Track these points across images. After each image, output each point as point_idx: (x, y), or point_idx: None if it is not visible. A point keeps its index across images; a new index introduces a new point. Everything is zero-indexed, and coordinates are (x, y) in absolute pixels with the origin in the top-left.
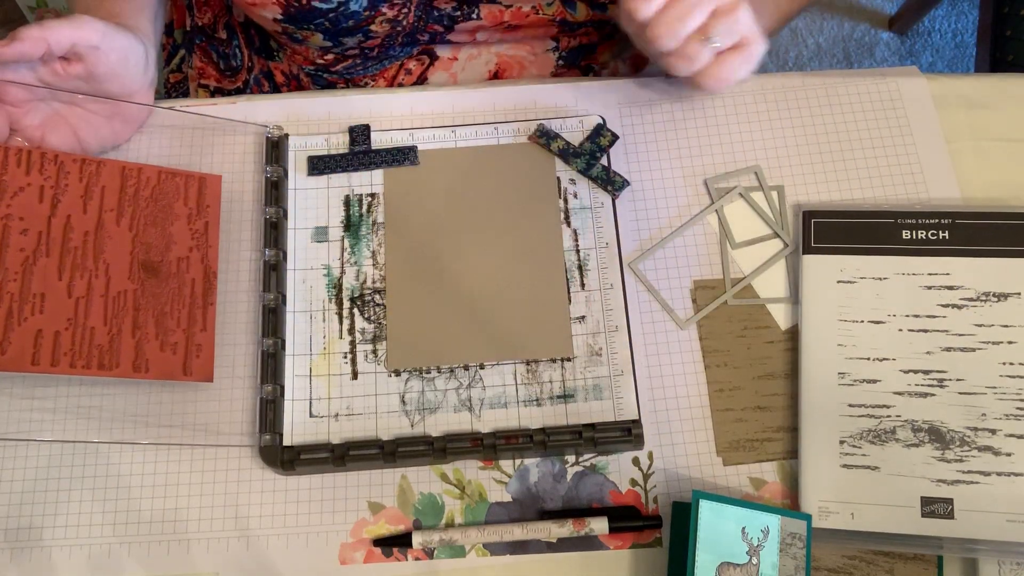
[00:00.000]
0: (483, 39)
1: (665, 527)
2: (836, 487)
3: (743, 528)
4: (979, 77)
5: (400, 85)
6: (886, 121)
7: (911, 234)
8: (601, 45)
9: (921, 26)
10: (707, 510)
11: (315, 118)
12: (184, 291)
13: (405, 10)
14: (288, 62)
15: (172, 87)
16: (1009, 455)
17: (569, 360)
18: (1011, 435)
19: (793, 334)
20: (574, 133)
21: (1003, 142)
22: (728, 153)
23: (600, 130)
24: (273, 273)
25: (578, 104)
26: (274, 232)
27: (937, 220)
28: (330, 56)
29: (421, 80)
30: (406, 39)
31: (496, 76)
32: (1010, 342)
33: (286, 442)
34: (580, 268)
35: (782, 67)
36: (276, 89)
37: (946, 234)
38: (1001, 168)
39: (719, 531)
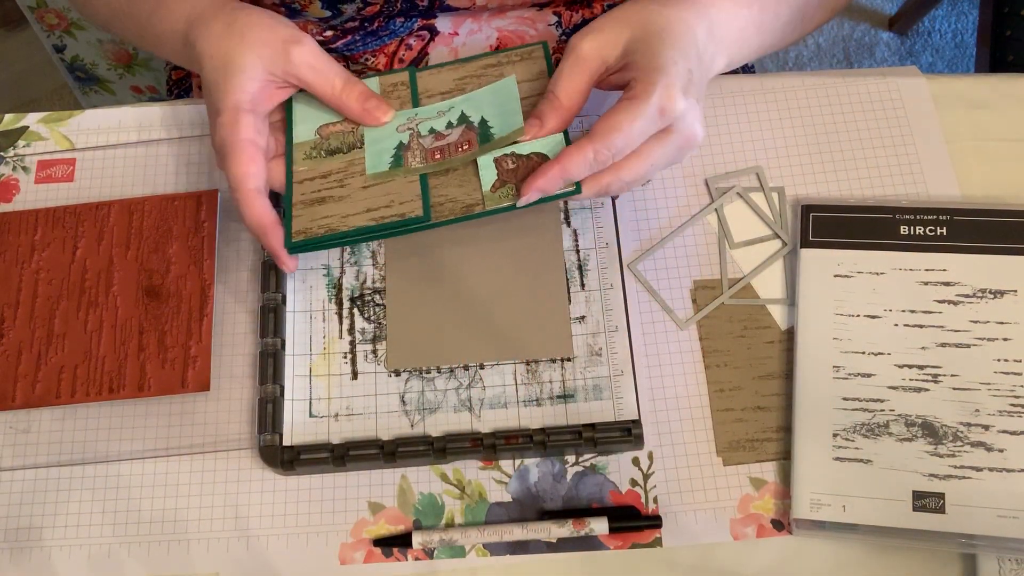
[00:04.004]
0: (483, 3)
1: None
2: (828, 479)
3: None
4: (979, 77)
5: (401, 60)
6: (886, 121)
7: (909, 230)
8: None
9: (921, 26)
10: (302, 96)
11: None
12: (182, 307)
13: None
14: None
15: (174, 84)
16: (1002, 451)
17: (569, 360)
18: (1004, 431)
19: (793, 334)
20: (575, 134)
21: (1003, 142)
22: (728, 153)
23: None
24: (273, 273)
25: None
26: None
27: (935, 216)
28: (329, 32)
29: (422, 55)
30: (405, 4)
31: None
32: (1005, 339)
33: (286, 442)
34: (580, 268)
35: (782, 67)
36: None
37: (944, 230)
38: (1001, 168)
39: (315, 105)
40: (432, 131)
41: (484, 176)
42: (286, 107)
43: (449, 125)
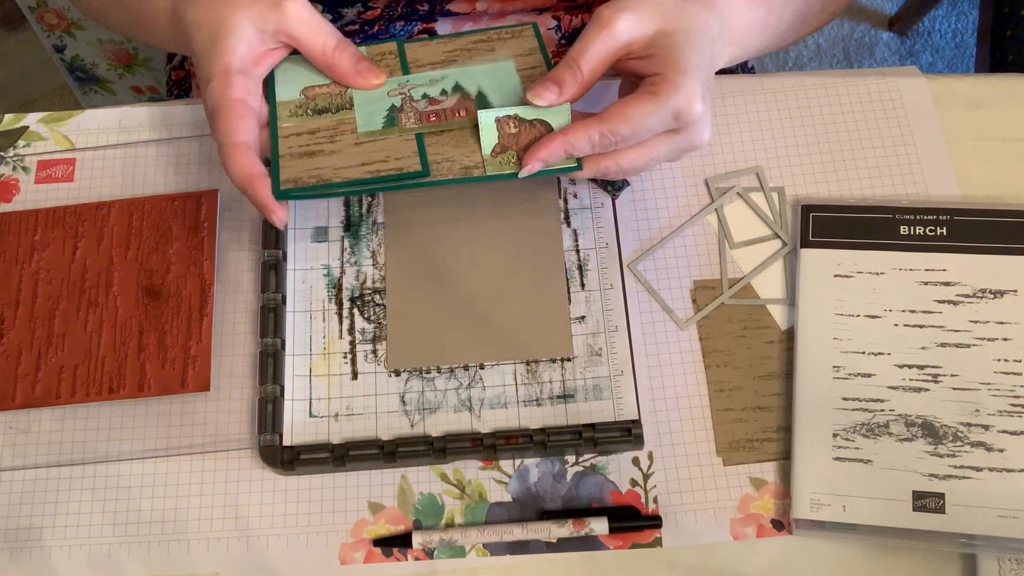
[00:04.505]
0: (483, 8)
1: (663, 530)
2: (828, 479)
3: None
4: (979, 77)
5: None
6: (886, 121)
7: (909, 230)
8: None
9: (921, 26)
10: (286, 60)
11: None
12: (182, 307)
13: None
14: None
15: (174, 84)
16: (1002, 451)
17: (569, 360)
18: (1004, 431)
19: (793, 334)
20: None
21: (1003, 142)
22: (728, 153)
23: None
24: (273, 273)
25: (578, 104)
26: (274, 232)
27: (935, 216)
28: None
29: None
30: (406, 9)
31: None
32: (1005, 339)
33: (286, 442)
34: (580, 268)
35: (782, 67)
36: None
37: (944, 230)
38: (1001, 168)
39: (301, 67)
40: (426, 96)
41: (485, 137)
42: (268, 75)
43: (443, 92)
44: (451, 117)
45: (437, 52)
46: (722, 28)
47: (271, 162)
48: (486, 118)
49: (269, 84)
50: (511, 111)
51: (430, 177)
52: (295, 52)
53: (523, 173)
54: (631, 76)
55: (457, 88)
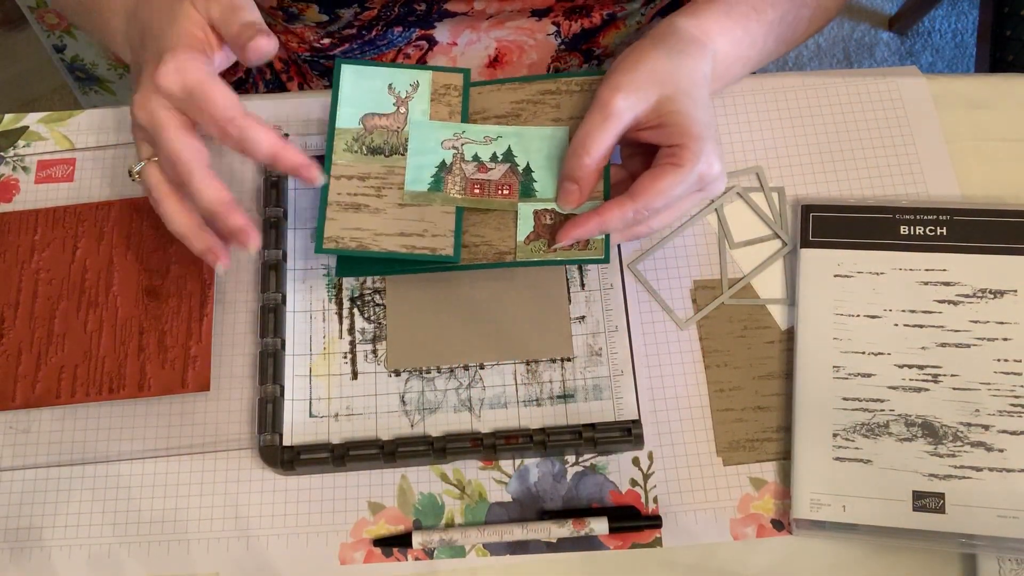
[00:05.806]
0: (481, 8)
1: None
2: (828, 479)
3: (390, 84)
4: (979, 77)
5: None
6: (886, 121)
7: (909, 230)
8: (604, 29)
9: (921, 26)
10: (350, 73)
11: (315, 118)
12: (182, 307)
13: None
14: (285, 49)
15: None
16: (1002, 451)
17: (569, 360)
18: (1004, 431)
19: (793, 334)
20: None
21: (1003, 142)
22: (728, 153)
23: None
24: (273, 273)
25: None
26: (274, 232)
27: (935, 216)
28: (327, 40)
29: (420, 64)
30: (403, 9)
31: (496, 61)
32: (1005, 339)
33: (286, 442)
34: (580, 268)
35: (782, 67)
36: (276, 76)
37: (944, 230)
38: (1001, 168)
39: (363, 89)
40: (476, 158)
41: (521, 226)
42: (333, 80)
43: (494, 158)
44: (494, 193)
45: (504, 102)
46: (713, 67)
47: (320, 203)
48: (524, 210)
49: (332, 97)
50: (549, 206)
51: (462, 261)
52: (361, 63)
53: (556, 245)
54: (644, 146)
55: (508, 156)
